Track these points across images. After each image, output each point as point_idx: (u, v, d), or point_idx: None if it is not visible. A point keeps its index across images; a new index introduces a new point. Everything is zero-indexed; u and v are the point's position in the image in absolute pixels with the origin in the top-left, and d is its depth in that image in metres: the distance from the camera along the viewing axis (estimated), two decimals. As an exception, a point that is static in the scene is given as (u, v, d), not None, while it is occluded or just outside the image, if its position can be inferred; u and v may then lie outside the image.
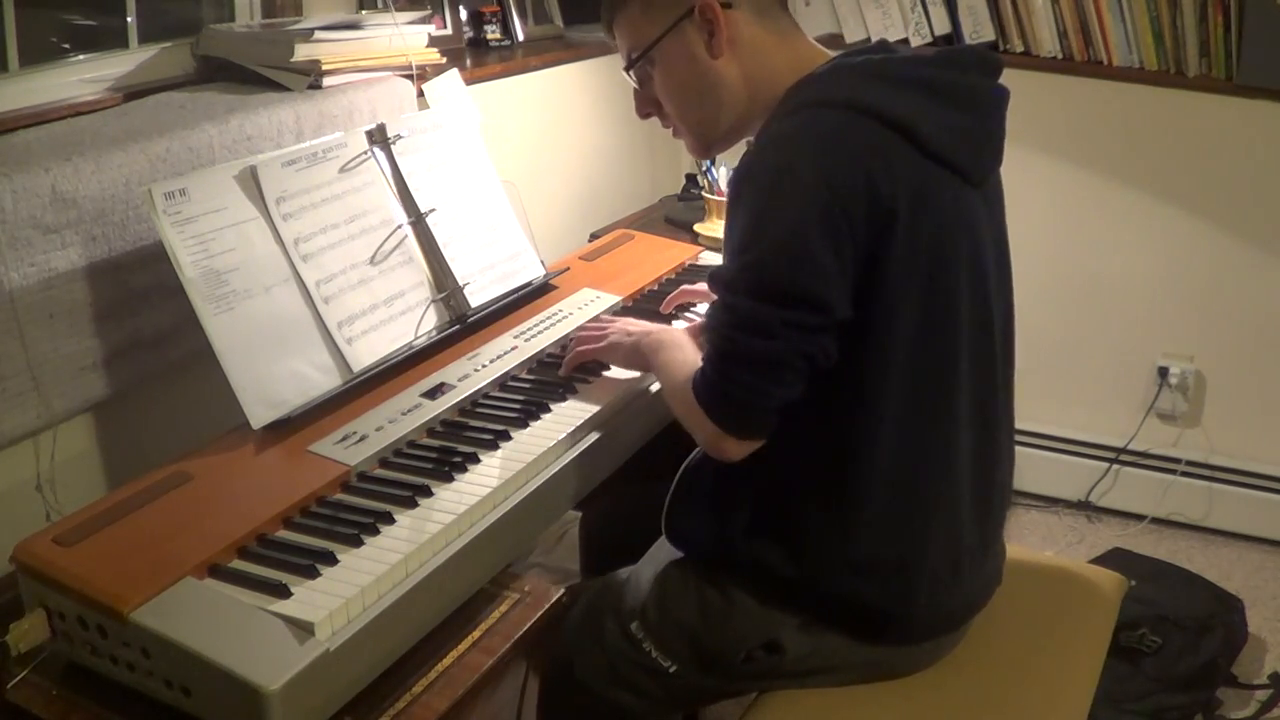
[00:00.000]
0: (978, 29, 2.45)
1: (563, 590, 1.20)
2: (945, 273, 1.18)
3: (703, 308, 1.67)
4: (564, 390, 1.44)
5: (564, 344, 1.58)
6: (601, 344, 1.46)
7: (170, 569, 1.04)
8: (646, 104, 1.34)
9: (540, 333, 1.59)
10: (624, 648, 1.32)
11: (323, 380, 1.37)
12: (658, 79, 1.30)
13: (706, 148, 1.35)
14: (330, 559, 1.08)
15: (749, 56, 1.25)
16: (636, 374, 1.47)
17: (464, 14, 2.26)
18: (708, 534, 1.29)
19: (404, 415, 1.34)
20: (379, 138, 1.57)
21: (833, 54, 1.26)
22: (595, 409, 1.40)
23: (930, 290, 1.16)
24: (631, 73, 1.32)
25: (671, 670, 1.30)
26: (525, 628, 1.15)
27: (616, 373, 1.48)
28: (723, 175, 2.20)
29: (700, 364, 1.22)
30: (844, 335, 1.15)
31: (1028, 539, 2.64)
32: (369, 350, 1.43)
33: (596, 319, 1.57)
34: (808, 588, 1.24)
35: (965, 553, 1.27)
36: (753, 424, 1.19)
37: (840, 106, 1.15)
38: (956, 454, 1.24)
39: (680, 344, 1.35)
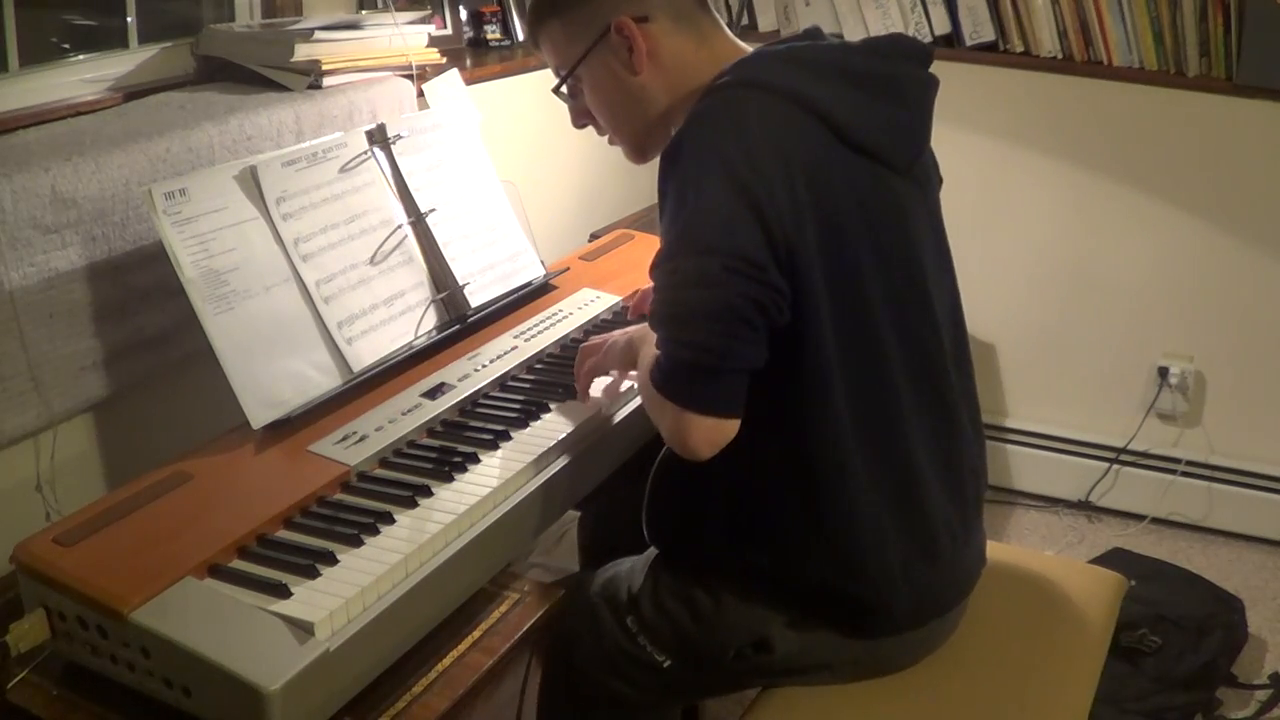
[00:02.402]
0: (978, 29, 2.45)
1: (562, 591, 1.20)
2: (855, 259, 1.17)
3: None
4: (564, 390, 1.44)
5: (564, 344, 1.58)
6: (601, 352, 1.42)
7: (170, 569, 1.05)
8: (581, 115, 1.36)
9: (540, 333, 1.59)
10: (620, 640, 1.32)
11: (323, 380, 1.37)
12: (586, 94, 1.32)
13: (641, 153, 1.36)
14: (330, 559, 1.08)
15: (671, 65, 1.25)
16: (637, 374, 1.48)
17: (464, 14, 2.26)
18: (685, 538, 1.30)
19: (404, 415, 1.35)
20: (379, 138, 1.57)
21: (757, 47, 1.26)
22: (595, 409, 1.40)
23: (842, 278, 1.16)
24: (562, 90, 1.33)
25: (665, 665, 1.30)
26: (525, 628, 1.15)
27: (615, 374, 1.48)
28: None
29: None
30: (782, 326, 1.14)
31: (1028, 539, 2.64)
32: (369, 350, 1.43)
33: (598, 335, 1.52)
34: (789, 585, 1.24)
35: (942, 535, 1.26)
36: (716, 394, 1.11)
37: (756, 87, 1.15)
38: (908, 438, 1.23)
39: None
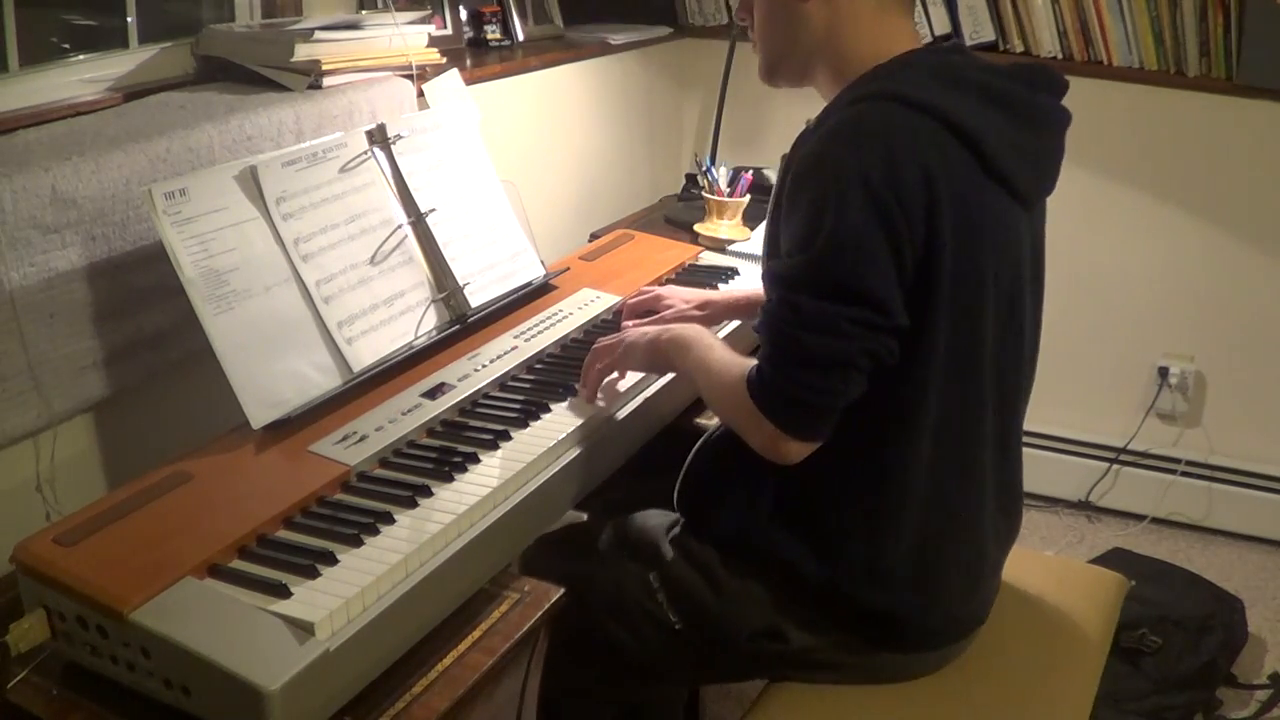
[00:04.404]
0: (978, 29, 2.45)
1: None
2: (975, 289, 1.17)
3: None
4: (564, 390, 1.44)
5: (564, 344, 1.58)
6: (617, 354, 1.41)
7: (170, 569, 1.04)
8: (743, 11, 1.34)
9: (540, 333, 1.59)
10: (638, 593, 1.32)
11: (323, 380, 1.37)
12: None
13: (769, 74, 1.33)
14: (330, 559, 1.08)
15: (841, 14, 1.22)
16: (639, 375, 1.47)
17: (464, 14, 2.26)
18: (729, 519, 1.29)
19: (404, 415, 1.34)
20: (379, 138, 1.57)
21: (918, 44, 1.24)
22: (595, 409, 1.40)
23: (961, 305, 1.16)
24: None
25: (678, 627, 1.30)
26: (525, 628, 1.15)
27: (617, 373, 1.48)
28: (722, 175, 2.20)
29: (750, 364, 1.20)
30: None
31: (1028, 539, 2.63)
32: (369, 350, 1.43)
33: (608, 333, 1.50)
34: (826, 589, 1.24)
35: (987, 567, 1.28)
36: (818, 425, 1.16)
37: (909, 105, 1.13)
38: (982, 471, 1.25)
39: (709, 342, 1.31)
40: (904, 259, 1.11)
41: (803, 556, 1.23)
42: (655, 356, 1.37)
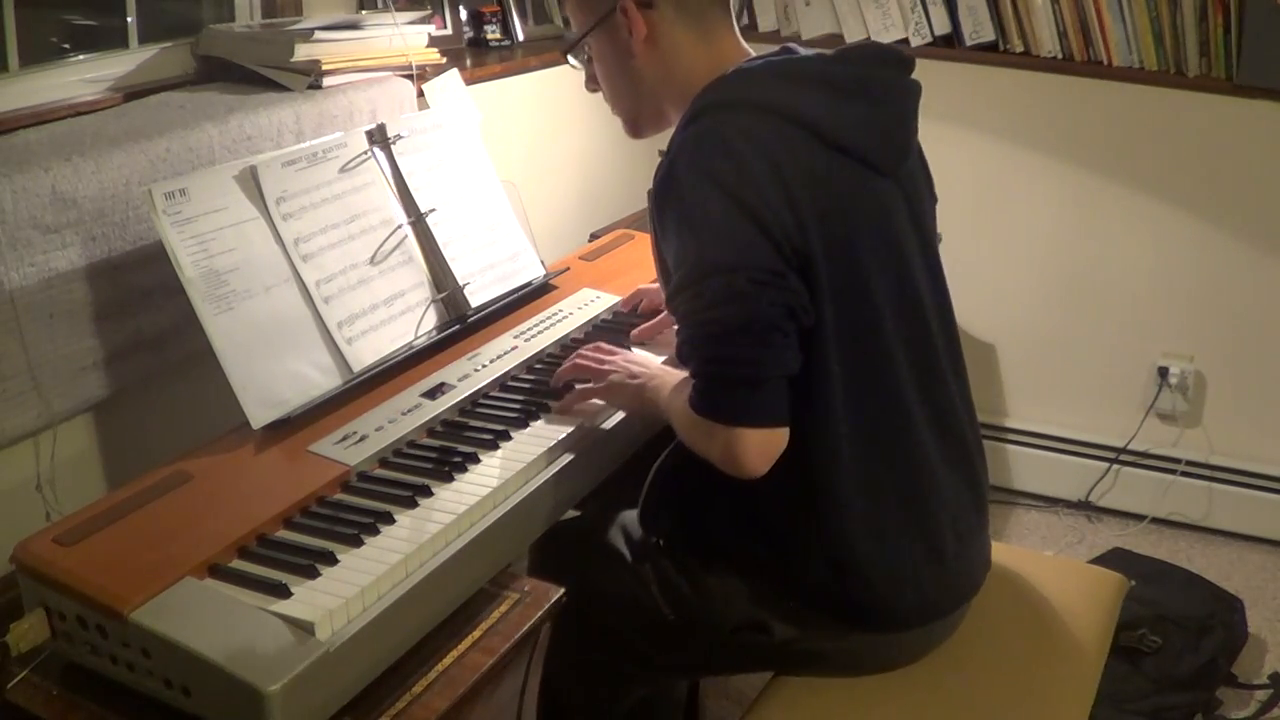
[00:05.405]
0: (978, 29, 2.45)
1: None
2: (855, 261, 1.19)
3: None
4: (564, 390, 1.44)
5: (564, 344, 1.58)
6: (602, 385, 1.40)
7: (170, 569, 1.05)
8: (591, 81, 1.40)
9: (540, 333, 1.59)
10: (632, 583, 1.35)
11: (323, 380, 1.37)
12: (595, 64, 1.36)
13: (634, 129, 1.39)
14: (330, 559, 1.08)
15: (669, 55, 1.28)
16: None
17: (464, 14, 2.26)
18: (693, 532, 1.31)
19: (404, 415, 1.35)
20: (379, 138, 1.57)
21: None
22: (595, 409, 1.40)
23: (844, 280, 1.18)
24: (571, 56, 1.38)
25: (670, 618, 1.33)
26: (525, 628, 1.15)
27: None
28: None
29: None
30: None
31: (1028, 539, 2.64)
32: (369, 350, 1.43)
33: (598, 346, 1.47)
34: (795, 582, 1.25)
35: (949, 539, 1.28)
36: (761, 405, 1.13)
37: (742, 107, 1.17)
38: (915, 444, 1.25)
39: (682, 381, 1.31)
40: (778, 240, 1.13)
41: (766, 554, 1.25)
42: (637, 401, 1.37)
